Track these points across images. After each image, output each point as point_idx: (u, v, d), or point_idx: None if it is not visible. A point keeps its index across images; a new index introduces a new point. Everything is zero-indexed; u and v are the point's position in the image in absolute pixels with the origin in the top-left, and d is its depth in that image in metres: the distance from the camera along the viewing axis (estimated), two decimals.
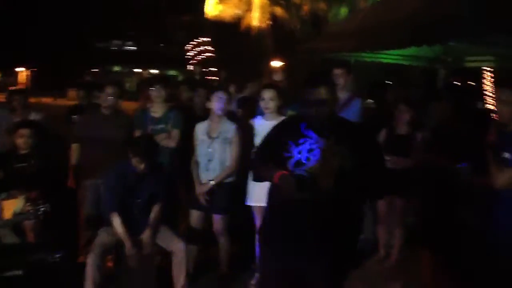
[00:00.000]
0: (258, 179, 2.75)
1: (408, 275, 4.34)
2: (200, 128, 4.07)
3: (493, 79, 7.80)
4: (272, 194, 2.61)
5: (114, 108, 4.57)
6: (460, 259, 3.25)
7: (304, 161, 2.43)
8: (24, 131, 4.18)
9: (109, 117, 4.49)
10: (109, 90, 4.51)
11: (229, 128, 3.98)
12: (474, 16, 5.30)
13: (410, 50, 6.94)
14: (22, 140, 4.14)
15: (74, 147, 4.57)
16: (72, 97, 6.50)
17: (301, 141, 2.47)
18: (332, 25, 11.41)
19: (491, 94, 7.55)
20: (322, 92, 2.48)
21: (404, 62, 7.82)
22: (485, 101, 7.40)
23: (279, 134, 2.65)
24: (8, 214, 3.68)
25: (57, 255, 4.48)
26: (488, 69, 7.86)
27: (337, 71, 4.42)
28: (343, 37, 7.13)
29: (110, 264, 3.91)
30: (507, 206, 2.57)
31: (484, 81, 7.73)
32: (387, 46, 6.52)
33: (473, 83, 8.47)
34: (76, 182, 4.56)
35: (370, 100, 5.74)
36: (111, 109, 4.52)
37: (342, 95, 4.13)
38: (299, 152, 2.46)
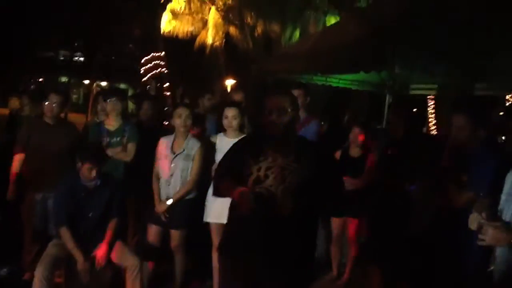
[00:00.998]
0: (218, 194, 2.79)
1: None
2: (164, 143, 4.06)
3: (435, 106, 8.24)
4: (232, 210, 2.66)
5: (58, 117, 4.44)
6: (409, 277, 3.40)
7: (262, 179, 2.49)
8: None
9: (54, 126, 4.31)
10: (53, 98, 4.28)
11: (194, 145, 4.00)
12: (418, 46, 5.62)
13: (359, 75, 7.23)
14: None
15: (17, 157, 4.30)
16: (13, 106, 6.23)
17: (260, 158, 2.53)
18: (284, 47, 11.68)
19: (434, 121, 7.98)
20: (282, 101, 2.54)
21: (353, 87, 8.11)
22: (429, 127, 7.79)
23: (240, 151, 2.70)
24: None
25: (2, 271, 4.31)
26: (431, 96, 8.31)
27: (296, 92, 4.54)
28: (294, 59, 7.29)
29: (59, 280, 3.79)
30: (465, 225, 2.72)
31: (428, 108, 8.16)
32: (336, 70, 6.76)
33: (416, 110, 8.90)
34: (19, 194, 4.29)
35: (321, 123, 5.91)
36: (55, 118, 4.34)
37: (301, 115, 4.24)
38: (258, 170, 2.51)
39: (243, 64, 11.55)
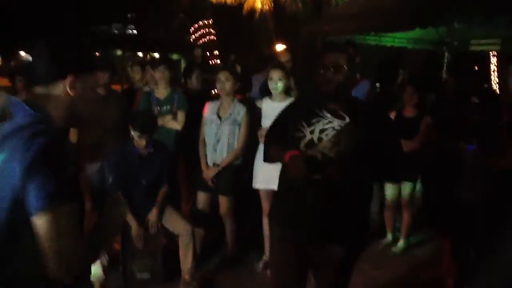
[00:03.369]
0: (269, 160, 2.72)
1: (416, 259, 4.35)
2: (210, 108, 4.04)
3: (497, 63, 7.74)
4: (283, 175, 2.58)
5: (109, 87, 4.49)
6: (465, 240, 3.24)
7: (316, 141, 2.39)
8: None
9: (106, 97, 4.35)
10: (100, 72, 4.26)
11: (240, 110, 3.94)
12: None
13: (415, 33, 6.88)
14: None
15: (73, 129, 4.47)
16: None
17: (313, 120, 2.42)
18: (334, 8, 11.29)
19: (496, 78, 7.51)
20: (338, 58, 2.40)
21: (408, 45, 7.75)
22: (491, 84, 7.35)
23: (292, 113, 2.59)
24: None
25: None
26: (494, 52, 7.80)
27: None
28: (345, 20, 7.04)
29: (116, 245, 3.91)
30: None
31: (490, 64, 7.67)
32: (391, 28, 6.46)
33: (478, 67, 8.41)
34: (77, 165, 4.49)
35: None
36: (106, 88, 4.39)
37: None
38: (311, 132, 2.41)
39: (293, 28, 11.27)
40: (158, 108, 4.47)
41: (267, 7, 13.03)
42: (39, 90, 1.51)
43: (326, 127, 2.39)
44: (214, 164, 3.96)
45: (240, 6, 13.28)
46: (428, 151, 4.03)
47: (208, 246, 4.17)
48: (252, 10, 13.18)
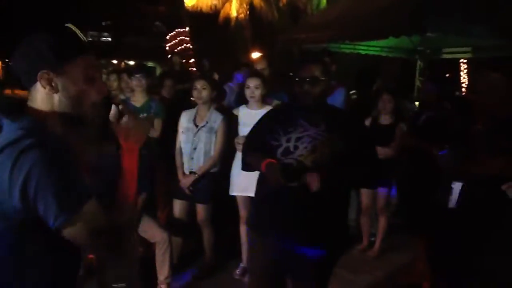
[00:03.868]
0: (246, 167, 2.72)
1: (391, 263, 4.40)
2: (186, 116, 4.03)
3: (468, 70, 7.94)
4: (260, 183, 2.59)
5: None
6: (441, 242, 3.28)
7: (292, 150, 2.40)
8: None
9: None
10: None
11: (216, 118, 3.94)
12: (450, 8, 5.37)
13: (389, 41, 7.01)
14: None
15: None
16: None
17: (290, 129, 2.44)
18: (310, 16, 11.39)
19: (467, 85, 7.70)
20: (314, 70, 2.43)
21: (383, 54, 7.88)
22: (462, 91, 7.52)
23: (269, 122, 2.61)
24: None
25: None
26: (464, 60, 8.00)
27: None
28: (321, 28, 7.13)
29: (90, 256, 3.85)
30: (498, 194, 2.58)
31: (461, 72, 7.87)
32: (365, 37, 6.56)
33: (449, 75, 8.62)
34: None
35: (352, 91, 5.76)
36: None
37: None
38: (288, 140, 2.43)
39: (269, 36, 11.33)
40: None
41: (243, 15, 13.06)
42: (26, 95, 1.41)
43: (301, 135, 2.41)
44: (191, 172, 3.95)
45: (216, 14, 13.28)
46: (403, 157, 4.09)
47: (185, 255, 4.13)
48: (228, 18, 13.19)
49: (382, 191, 4.46)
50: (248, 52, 11.42)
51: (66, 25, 1.45)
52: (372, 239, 4.71)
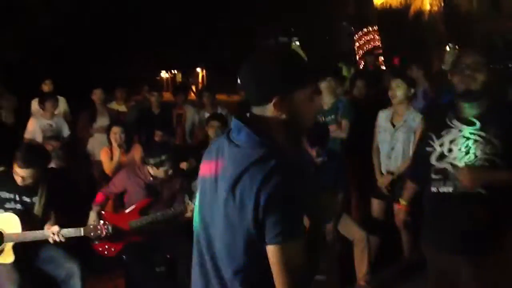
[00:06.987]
0: None
1: None
2: (383, 116, 4.05)
3: None
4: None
5: None
6: None
7: (446, 153, 2.30)
8: (214, 123, 4.64)
9: None
10: None
11: (415, 117, 3.88)
12: None
13: None
14: (213, 130, 4.59)
15: None
16: None
17: (442, 132, 2.34)
18: None
19: None
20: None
21: None
22: None
23: (425, 128, 2.60)
24: None
25: None
26: None
27: None
28: None
29: None
30: None
31: None
32: None
33: None
34: None
35: None
36: None
37: None
38: (441, 145, 2.33)
39: (467, 28, 10.56)
40: (323, 117, 4.62)
41: (437, 8, 12.33)
42: (256, 110, 1.46)
43: (456, 136, 2.29)
44: (388, 172, 3.95)
45: (406, 9, 12.81)
46: None
47: (382, 254, 4.13)
48: (420, 12, 12.60)
49: None
50: (442, 47, 10.79)
51: (291, 43, 1.54)
52: None
